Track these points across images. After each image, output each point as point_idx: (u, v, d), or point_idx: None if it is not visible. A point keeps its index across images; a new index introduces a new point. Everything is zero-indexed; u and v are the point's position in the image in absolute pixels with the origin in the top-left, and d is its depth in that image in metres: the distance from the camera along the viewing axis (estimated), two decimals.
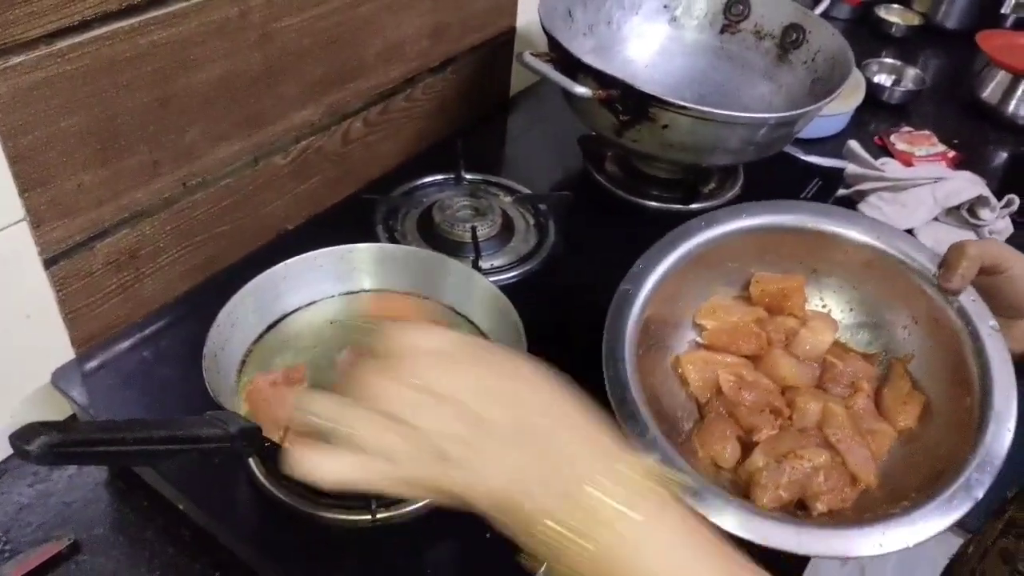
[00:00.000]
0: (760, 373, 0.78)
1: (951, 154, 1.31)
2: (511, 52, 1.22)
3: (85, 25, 0.67)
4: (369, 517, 0.69)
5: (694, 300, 0.82)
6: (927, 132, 1.35)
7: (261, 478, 0.71)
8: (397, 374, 0.47)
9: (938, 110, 1.45)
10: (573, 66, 0.92)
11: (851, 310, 0.83)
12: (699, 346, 0.81)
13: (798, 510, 0.70)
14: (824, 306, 0.84)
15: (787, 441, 0.72)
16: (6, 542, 0.71)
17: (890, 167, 1.21)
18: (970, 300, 0.74)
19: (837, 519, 0.69)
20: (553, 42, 0.96)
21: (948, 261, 0.74)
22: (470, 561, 0.70)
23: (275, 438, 0.66)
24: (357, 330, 0.57)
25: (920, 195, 1.15)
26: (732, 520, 0.61)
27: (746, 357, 0.79)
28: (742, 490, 0.70)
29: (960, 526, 0.71)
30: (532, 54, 0.93)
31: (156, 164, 0.78)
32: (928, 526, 0.62)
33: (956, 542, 0.76)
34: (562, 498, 0.45)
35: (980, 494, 0.63)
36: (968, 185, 1.17)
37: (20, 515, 0.73)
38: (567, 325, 0.91)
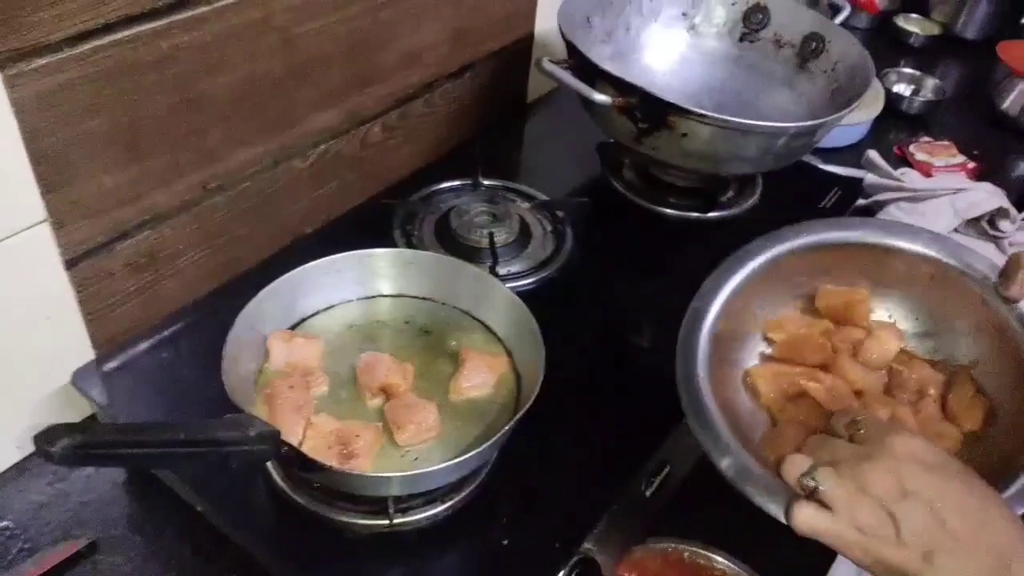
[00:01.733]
0: (833, 378, 0.80)
1: (971, 165, 1.30)
2: (529, 58, 1.22)
3: (108, 28, 0.67)
4: (386, 522, 0.69)
5: (761, 315, 0.84)
6: (946, 142, 1.34)
7: (279, 481, 0.71)
8: (896, 471, 0.55)
9: (957, 121, 1.44)
10: (592, 73, 0.92)
11: (916, 319, 0.85)
12: (768, 359, 0.83)
13: None
14: (890, 317, 0.86)
15: None
16: (25, 540, 0.72)
17: (909, 177, 1.20)
18: None
19: None
20: (572, 49, 0.96)
21: (1007, 270, 0.77)
22: (486, 568, 0.70)
23: (293, 442, 0.66)
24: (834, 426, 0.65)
25: (940, 206, 1.14)
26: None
27: (814, 367, 0.81)
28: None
29: None
30: (551, 61, 0.93)
31: (177, 167, 0.79)
32: None
33: None
34: None
35: None
36: (988, 196, 1.16)
37: (39, 514, 0.74)
38: (584, 332, 0.91)
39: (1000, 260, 0.79)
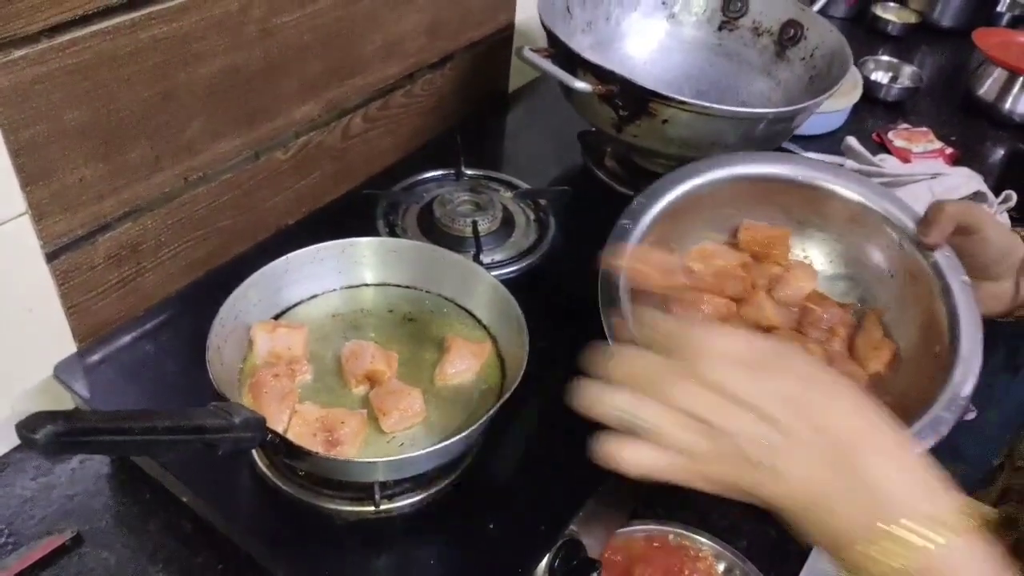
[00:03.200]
0: (742, 314, 0.82)
1: (948, 151, 1.31)
2: (510, 48, 1.22)
3: (86, 19, 0.67)
4: (372, 508, 0.69)
5: (686, 243, 0.86)
6: (924, 129, 1.35)
7: (264, 469, 0.71)
8: (700, 377, 0.49)
9: (935, 107, 1.46)
10: (572, 62, 0.93)
11: (831, 262, 0.88)
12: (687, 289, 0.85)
13: None
14: (806, 257, 0.89)
15: None
16: (9, 535, 0.71)
17: (888, 163, 1.22)
18: (944, 256, 0.79)
19: None
20: (552, 38, 0.96)
21: (928, 217, 0.79)
22: (472, 552, 0.70)
23: (279, 430, 0.66)
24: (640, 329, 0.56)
25: (918, 191, 1.15)
26: None
27: (731, 299, 0.83)
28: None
29: None
30: (532, 49, 0.93)
31: (157, 159, 0.78)
32: None
33: None
34: (876, 528, 0.46)
35: (945, 431, 0.67)
36: (965, 181, 1.17)
37: (23, 508, 0.73)
38: (567, 319, 0.91)
39: None
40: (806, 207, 0.86)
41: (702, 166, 0.83)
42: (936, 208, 0.78)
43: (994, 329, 0.78)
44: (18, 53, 0.63)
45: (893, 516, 0.46)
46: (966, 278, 0.77)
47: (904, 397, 0.73)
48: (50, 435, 0.46)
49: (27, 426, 0.46)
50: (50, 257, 0.73)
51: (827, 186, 0.84)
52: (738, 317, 0.82)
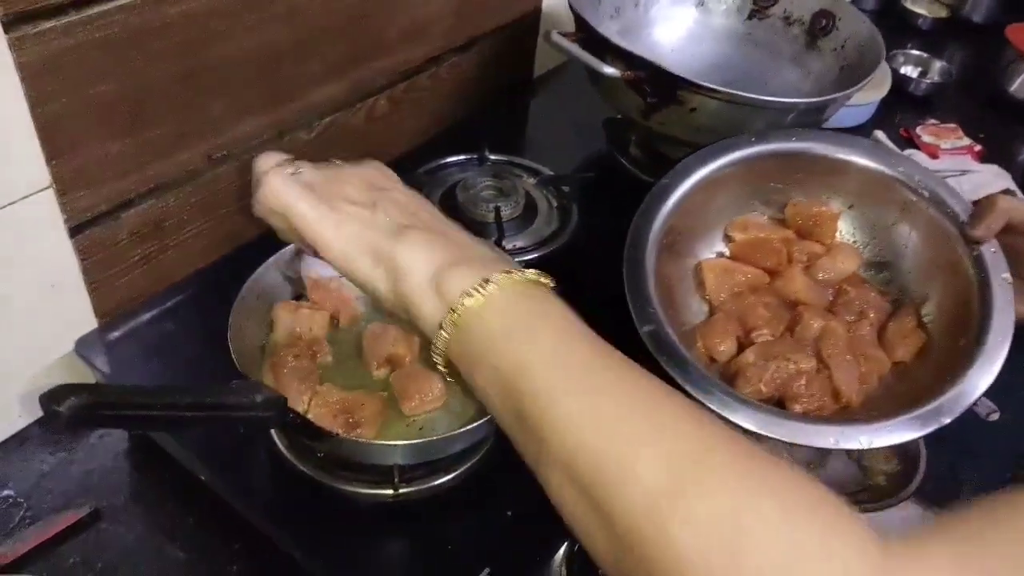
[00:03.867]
0: (773, 287, 0.82)
1: (977, 148, 1.29)
2: (536, 33, 1.21)
3: None
4: (391, 492, 0.68)
5: (729, 213, 0.86)
6: (953, 125, 1.33)
7: (283, 450, 0.71)
8: (370, 177, 0.60)
9: (964, 103, 1.44)
10: (601, 47, 0.91)
11: (878, 248, 0.86)
12: (723, 257, 0.86)
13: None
14: (854, 241, 0.87)
15: (781, 347, 0.76)
16: (27, 509, 0.72)
17: (916, 159, 1.20)
18: (990, 251, 0.77)
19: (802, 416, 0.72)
20: (580, 22, 0.95)
21: (978, 211, 0.77)
22: (490, 539, 0.70)
23: (300, 409, 0.66)
24: None
25: None
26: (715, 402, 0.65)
27: (766, 271, 0.83)
28: (728, 381, 0.74)
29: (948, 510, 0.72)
30: (560, 33, 0.92)
31: (182, 136, 0.78)
32: (887, 435, 0.65)
33: None
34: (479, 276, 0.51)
35: (948, 420, 0.66)
36: (994, 178, 1.16)
37: (41, 482, 0.74)
38: (589, 306, 0.90)
39: None
40: (859, 190, 0.85)
41: (752, 138, 0.82)
42: (987, 202, 0.76)
43: None
44: (46, 25, 0.63)
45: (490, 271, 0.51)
46: (1007, 275, 0.75)
47: (922, 388, 0.72)
48: (74, 407, 0.46)
49: (51, 397, 0.45)
50: (73, 232, 0.73)
51: (876, 168, 0.83)
52: (769, 289, 0.82)
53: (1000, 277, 0.75)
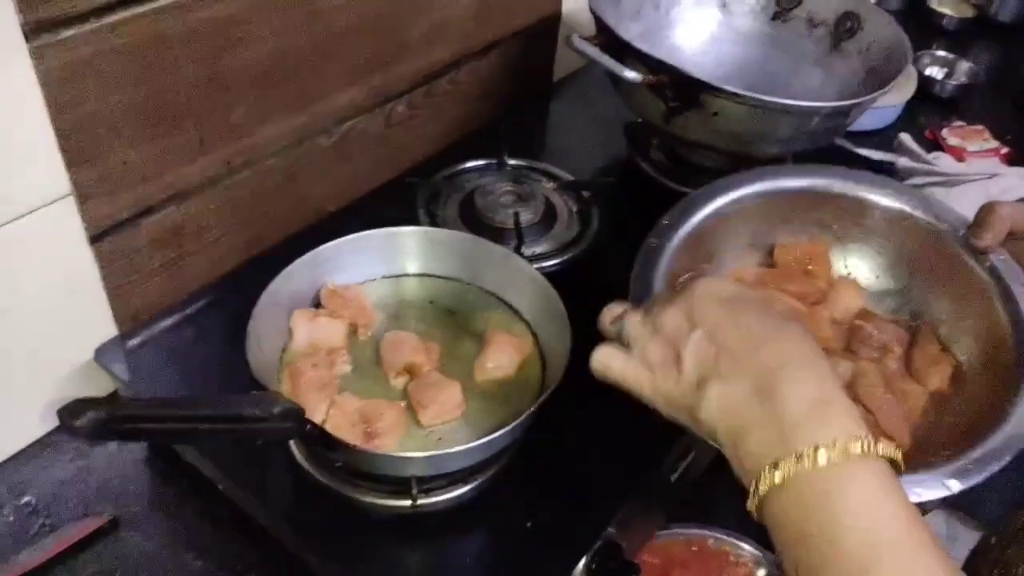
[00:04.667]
0: None
1: (1004, 150, 1.27)
2: (556, 36, 1.20)
3: (134, 0, 0.66)
4: (409, 503, 0.68)
5: (722, 264, 0.83)
6: (980, 127, 1.31)
7: (301, 460, 0.70)
8: (685, 308, 0.55)
9: (991, 105, 1.41)
10: (621, 51, 0.91)
11: (876, 277, 0.84)
12: None
13: None
14: (849, 273, 0.85)
15: None
16: (47, 516, 0.72)
17: (942, 162, 1.18)
18: (1001, 260, 0.75)
19: None
20: (601, 25, 0.94)
21: (979, 219, 0.75)
22: (509, 550, 0.69)
23: (317, 420, 0.65)
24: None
25: (972, 191, 1.12)
26: None
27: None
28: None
29: (982, 519, 0.70)
30: (581, 37, 0.91)
31: (202, 142, 0.78)
32: (974, 476, 0.61)
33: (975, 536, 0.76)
34: (780, 445, 0.48)
35: (1022, 445, 0.63)
36: (1021, 181, 1.14)
37: (61, 490, 0.74)
38: None
39: None
40: (843, 219, 0.83)
41: (732, 182, 0.80)
42: (988, 209, 0.74)
43: None
44: (67, 33, 0.63)
45: (801, 439, 0.47)
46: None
47: (971, 415, 0.69)
48: (91, 422, 0.45)
49: (69, 412, 0.45)
50: (93, 239, 0.73)
51: (863, 196, 0.81)
52: None
53: (1020, 284, 0.73)
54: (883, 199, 0.81)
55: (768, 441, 0.49)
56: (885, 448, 0.48)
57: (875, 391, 0.73)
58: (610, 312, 0.61)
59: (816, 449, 0.46)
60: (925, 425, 0.73)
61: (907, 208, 0.80)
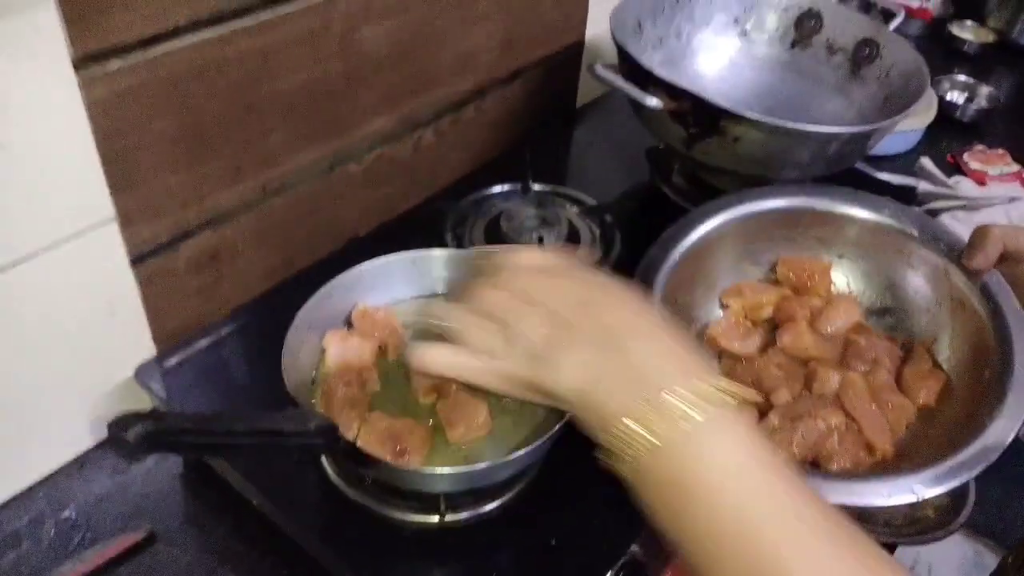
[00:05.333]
0: (782, 345, 0.81)
1: None
2: (579, 64, 1.23)
3: (177, 32, 0.69)
4: (437, 519, 0.69)
5: (722, 278, 0.85)
6: (1001, 151, 1.32)
7: (333, 476, 0.72)
8: (503, 284, 0.55)
9: (1012, 129, 1.42)
10: (643, 78, 0.93)
11: (876, 295, 0.86)
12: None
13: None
14: (851, 290, 0.87)
15: (804, 405, 0.75)
16: (87, 530, 0.74)
17: (963, 186, 1.19)
18: (994, 281, 0.77)
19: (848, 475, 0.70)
20: (623, 54, 0.97)
21: (972, 242, 0.77)
22: (533, 566, 0.70)
23: (349, 436, 0.67)
24: (470, 261, 0.68)
25: (994, 215, 1.13)
26: None
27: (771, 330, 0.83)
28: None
29: (1001, 543, 0.71)
30: (604, 65, 0.93)
31: (239, 169, 0.81)
32: (940, 483, 0.63)
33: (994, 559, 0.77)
34: (640, 401, 0.48)
35: (995, 456, 0.64)
36: None
37: (100, 505, 0.76)
38: None
39: None
40: (844, 238, 0.85)
41: (733, 199, 0.83)
42: (980, 232, 0.76)
43: None
44: (113, 65, 0.66)
45: (655, 391, 0.48)
46: (1016, 304, 0.75)
47: (953, 427, 0.71)
48: (140, 435, 0.48)
49: (119, 425, 0.47)
50: (134, 262, 0.76)
51: (862, 215, 0.84)
52: (777, 349, 0.81)
53: (1011, 305, 0.75)
54: (882, 219, 0.83)
55: (625, 391, 0.49)
56: (739, 392, 0.49)
57: (860, 401, 0.75)
58: (429, 311, 0.60)
59: (672, 401, 0.47)
60: (909, 437, 0.75)
61: (905, 228, 0.82)
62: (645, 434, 0.47)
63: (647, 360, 0.50)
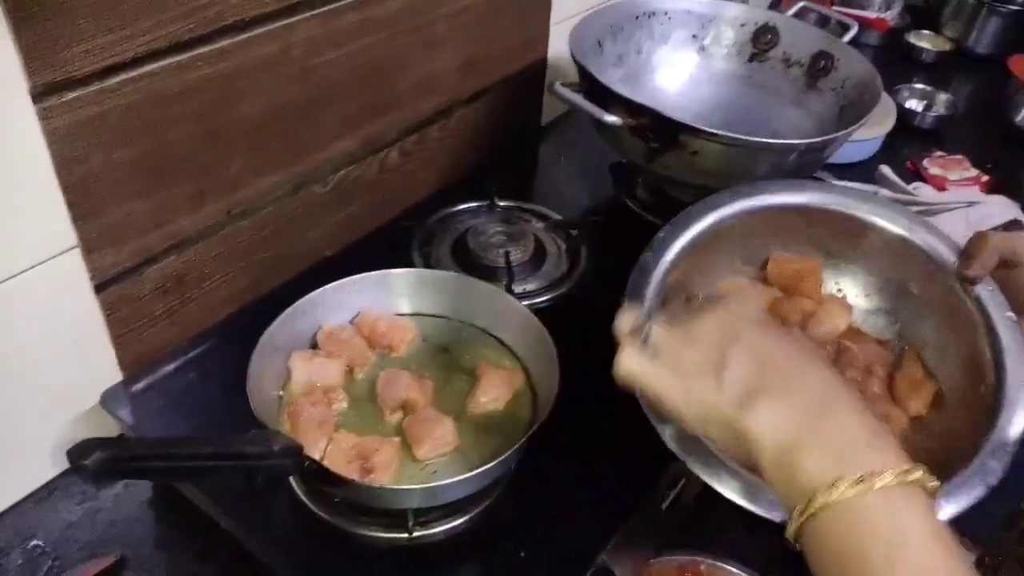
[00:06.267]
0: None
1: (984, 178, 1.30)
2: (543, 82, 1.24)
3: (136, 62, 0.70)
4: (406, 535, 0.70)
5: (715, 277, 0.84)
6: (960, 157, 1.34)
7: (301, 496, 0.73)
8: (726, 321, 0.55)
9: (970, 135, 1.45)
10: (603, 95, 0.94)
11: (867, 295, 0.85)
12: None
13: None
14: (840, 291, 0.86)
15: None
16: (55, 558, 0.74)
17: (923, 192, 1.21)
18: (988, 290, 0.75)
19: None
20: (583, 72, 0.98)
21: (969, 250, 0.76)
22: None
23: (316, 457, 0.68)
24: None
25: (953, 219, 1.15)
26: (736, 489, 0.62)
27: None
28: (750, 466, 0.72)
29: (974, 539, 0.71)
30: (563, 84, 0.95)
31: (202, 194, 0.81)
32: (950, 506, 0.62)
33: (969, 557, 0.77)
34: (838, 469, 0.47)
35: (994, 481, 0.63)
36: (1001, 209, 1.17)
37: (69, 532, 0.76)
38: (598, 347, 0.92)
39: None
40: (838, 238, 0.84)
41: (728, 196, 0.81)
42: (979, 239, 0.75)
43: None
44: (72, 95, 0.66)
45: (853, 462, 0.47)
46: (1011, 314, 0.74)
47: (949, 440, 0.71)
48: (99, 461, 0.48)
49: (78, 452, 0.48)
50: (98, 289, 0.76)
51: (862, 216, 0.81)
52: None
53: (1004, 316, 0.74)
54: (879, 220, 0.81)
55: (825, 461, 0.48)
56: (932, 481, 0.48)
57: None
58: (628, 318, 0.59)
59: (876, 474, 0.46)
60: (904, 448, 0.74)
61: (902, 231, 0.80)
62: (838, 498, 0.47)
63: (848, 430, 0.50)
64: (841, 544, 0.47)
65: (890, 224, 0.81)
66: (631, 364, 0.57)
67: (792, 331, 0.57)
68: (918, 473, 0.48)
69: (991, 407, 0.69)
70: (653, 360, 0.56)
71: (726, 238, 0.82)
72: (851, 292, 0.86)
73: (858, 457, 0.48)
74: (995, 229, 1.13)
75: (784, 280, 0.85)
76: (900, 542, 0.46)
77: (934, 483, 0.48)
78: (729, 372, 0.53)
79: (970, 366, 0.75)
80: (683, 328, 0.56)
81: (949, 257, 0.78)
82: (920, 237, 0.80)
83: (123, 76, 0.69)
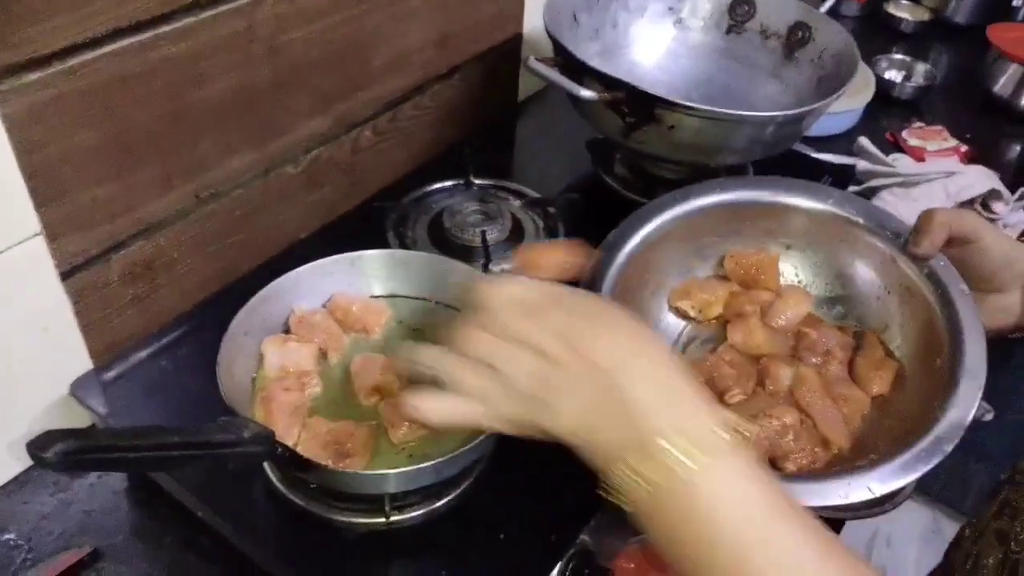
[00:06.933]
0: (733, 342, 0.81)
1: (963, 148, 1.30)
2: (518, 58, 1.22)
3: (96, 42, 0.68)
4: (383, 520, 0.69)
5: (671, 276, 0.85)
6: (939, 127, 1.34)
7: (277, 484, 0.72)
8: (488, 324, 0.53)
9: (950, 105, 1.44)
10: (578, 70, 0.93)
11: (825, 284, 0.86)
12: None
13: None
14: (799, 281, 0.87)
15: (758, 404, 0.75)
16: (28, 550, 0.73)
17: (902, 163, 1.21)
18: (940, 265, 0.76)
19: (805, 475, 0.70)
20: (558, 46, 0.97)
21: (918, 227, 0.76)
22: (483, 562, 0.70)
23: (289, 443, 0.67)
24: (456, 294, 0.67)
25: (932, 190, 1.14)
26: None
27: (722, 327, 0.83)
28: None
29: (957, 509, 0.71)
30: (537, 59, 0.93)
31: (169, 177, 0.80)
32: (896, 478, 0.63)
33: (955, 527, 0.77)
34: (635, 447, 0.49)
35: (949, 448, 0.64)
36: (981, 179, 1.16)
37: (42, 524, 0.75)
38: None
39: None
40: (790, 229, 0.85)
41: (678, 196, 0.82)
42: (926, 217, 0.75)
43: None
44: (30, 77, 0.65)
45: (650, 436, 0.48)
46: (964, 286, 0.74)
47: (908, 417, 0.71)
48: (60, 453, 0.47)
49: (38, 445, 0.47)
50: (64, 276, 0.74)
51: (807, 204, 0.83)
52: (728, 346, 0.81)
53: (958, 289, 0.74)
54: (825, 207, 0.83)
55: (624, 434, 0.49)
56: (736, 429, 0.49)
57: (814, 397, 0.74)
58: (411, 356, 0.57)
59: (668, 448, 0.48)
60: (865, 428, 0.75)
61: (850, 216, 0.82)
62: (641, 481, 0.48)
63: (641, 401, 0.50)
64: (663, 525, 0.49)
65: (837, 210, 0.83)
66: (421, 406, 0.54)
67: (567, 296, 0.55)
68: (716, 422, 0.49)
69: (948, 379, 0.70)
70: (444, 393, 0.54)
71: (678, 238, 0.83)
72: (809, 281, 0.87)
73: (651, 422, 0.49)
74: (974, 199, 1.13)
75: (743, 273, 0.85)
76: (712, 530, 0.47)
77: (735, 426, 0.50)
78: (512, 379, 0.52)
79: (928, 342, 0.76)
80: (456, 349, 0.54)
81: (900, 236, 0.79)
82: (868, 219, 0.82)
83: (83, 57, 0.68)
